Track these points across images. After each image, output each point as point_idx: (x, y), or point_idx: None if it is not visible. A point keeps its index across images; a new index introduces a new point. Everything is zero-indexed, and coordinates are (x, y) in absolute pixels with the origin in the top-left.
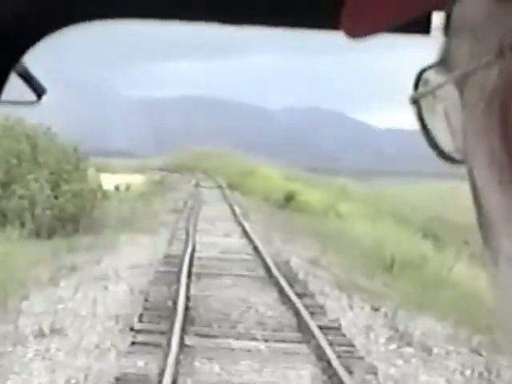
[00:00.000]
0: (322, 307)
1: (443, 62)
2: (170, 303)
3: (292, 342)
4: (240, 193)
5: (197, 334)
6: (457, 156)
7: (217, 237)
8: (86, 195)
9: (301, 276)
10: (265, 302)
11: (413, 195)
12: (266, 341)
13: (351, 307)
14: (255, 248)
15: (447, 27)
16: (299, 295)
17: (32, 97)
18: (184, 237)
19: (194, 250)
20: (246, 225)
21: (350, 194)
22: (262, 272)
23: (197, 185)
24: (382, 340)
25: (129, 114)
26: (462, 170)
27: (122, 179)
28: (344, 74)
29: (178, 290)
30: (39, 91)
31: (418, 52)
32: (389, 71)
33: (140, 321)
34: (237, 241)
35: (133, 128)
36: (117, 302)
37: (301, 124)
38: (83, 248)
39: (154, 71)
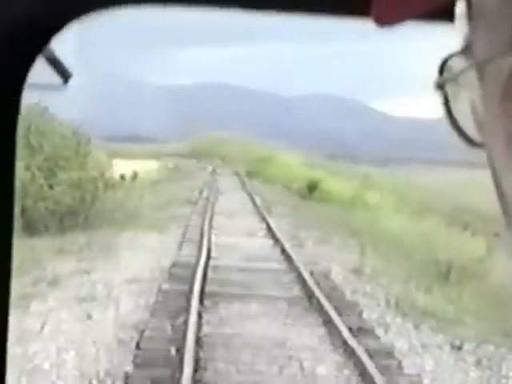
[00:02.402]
0: (391, 354)
1: (467, 50)
2: (172, 351)
3: None
4: (259, 181)
5: None
6: (480, 141)
7: (237, 236)
8: (85, 185)
9: (348, 295)
10: (310, 345)
11: (437, 184)
12: None
13: (426, 347)
14: (284, 252)
15: (469, 15)
16: (355, 331)
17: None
18: (197, 236)
19: (209, 257)
20: (270, 220)
21: (373, 182)
22: (297, 290)
23: (213, 172)
24: None
25: (149, 100)
26: (482, 158)
27: (136, 165)
28: (360, 63)
29: (185, 327)
30: (66, 75)
31: (431, 42)
32: (402, 60)
33: None
34: (261, 242)
35: (153, 114)
36: (97, 345)
37: (318, 112)
38: (75, 251)
39: (173, 58)
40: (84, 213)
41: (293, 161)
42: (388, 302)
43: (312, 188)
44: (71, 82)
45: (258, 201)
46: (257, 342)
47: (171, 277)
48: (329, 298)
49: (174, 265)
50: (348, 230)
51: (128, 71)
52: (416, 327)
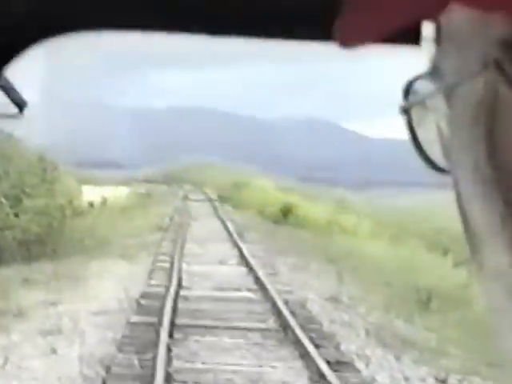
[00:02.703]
0: None
1: (433, 72)
2: None
3: None
4: (232, 206)
5: None
6: (446, 167)
7: (209, 264)
8: (52, 212)
9: (326, 325)
10: (286, 380)
11: (413, 207)
12: None
13: (409, 381)
14: (258, 280)
15: (437, 37)
16: (334, 365)
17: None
18: (168, 265)
19: (179, 286)
20: (243, 246)
21: (349, 206)
22: (272, 321)
23: (185, 198)
24: None
25: (118, 125)
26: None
27: (106, 191)
28: (336, 85)
29: (154, 363)
30: (21, 104)
31: (408, 62)
32: (379, 81)
33: None
34: (234, 270)
35: (123, 139)
36: (62, 381)
37: (293, 135)
38: (42, 281)
39: (142, 82)
40: (52, 241)
41: (266, 185)
42: (367, 332)
43: (286, 213)
44: (35, 108)
45: (231, 227)
46: (229, 377)
47: (140, 308)
48: (305, 329)
49: (143, 295)
50: (325, 256)
51: (97, 96)
52: (397, 359)
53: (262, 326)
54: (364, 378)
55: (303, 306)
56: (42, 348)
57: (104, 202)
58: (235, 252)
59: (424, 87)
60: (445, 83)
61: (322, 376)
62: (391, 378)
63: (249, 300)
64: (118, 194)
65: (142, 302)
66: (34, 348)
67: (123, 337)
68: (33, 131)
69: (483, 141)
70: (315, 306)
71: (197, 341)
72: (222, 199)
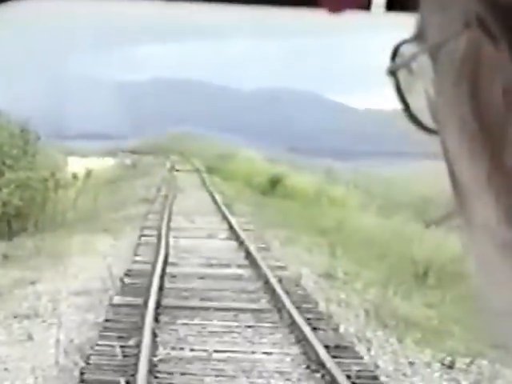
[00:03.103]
0: (376, 378)
1: (418, 36)
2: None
3: None
4: (220, 177)
5: None
6: (434, 128)
7: (197, 238)
8: (35, 185)
9: (322, 305)
10: (282, 370)
11: (400, 177)
12: None
13: (414, 367)
14: (249, 255)
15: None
16: (333, 350)
17: None
18: (154, 239)
19: (166, 263)
20: (233, 219)
21: (337, 176)
22: (265, 301)
23: (172, 168)
24: None
25: (103, 97)
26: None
27: (91, 163)
28: (321, 57)
29: (137, 352)
30: None
31: (394, 33)
32: (364, 53)
33: None
34: (223, 244)
35: (108, 111)
36: (36, 373)
37: (278, 105)
38: (22, 257)
39: (126, 54)
40: (34, 215)
41: (253, 155)
42: (366, 312)
43: (274, 184)
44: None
45: (219, 199)
46: (220, 367)
47: (124, 288)
48: (300, 309)
49: (127, 273)
50: (315, 228)
51: (81, 68)
52: (400, 341)
53: (255, 306)
54: (366, 364)
55: (297, 283)
56: (16, 334)
57: (88, 173)
58: (224, 225)
59: (410, 51)
60: (428, 44)
61: (321, 364)
62: (395, 364)
63: (239, 277)
64: (103, 165)
65: (127, 280)
66: (8, 334)
67: (105, 320)
68: (17, 101)
69: (468, 98)
70: (310, 283)
71: (184, 324)
72: (210, 170)
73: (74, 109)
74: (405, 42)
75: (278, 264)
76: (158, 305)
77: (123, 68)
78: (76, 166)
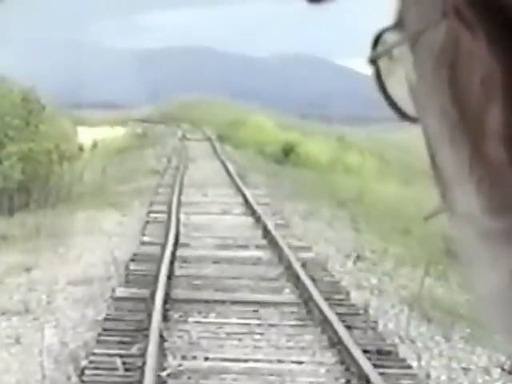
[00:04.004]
0: None
1: (398, 24)
2: None
3: None
4: (231, 145)
5: None
6: (415, 115)
7: (210, 214)
8: (38, 157)
9: (354, 295)
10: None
11: (411, 142)
12: None
13: (468, 372)
14: (268, 233)
15: None
16: (375, 356)
17: None
18: (164, 215)
19: (176, 244)
20: (247, 192)
21: (349, 142)
22: (289, 291)
23: (183, 137)
24: None
25: (113, 66)
26: None
27: (102, 132)
28: (331, 22)
29: (142, 364)
30: None
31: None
32: (375, 18)
33: None
34: (239, 220)
35: (120, 80)
36: None
37: (289, 71)
38: (20, 238)
39: (138, 22)
40: (37, 189)
41: (265, 122)
42: (403, 301)
43: (287, 152)
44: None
45: (232, 169)
46: (242, 382)
47: (129, 276)
48: (331, 301)
49: (133, 258)
50: (334, 199)
51: (92, 36)
52: (447, 339)
53: (277, 298)
54: (417, 376)
55: (323, 267)
56: (3, 335)
57: (95, 145)
58: (239, 199)
59: (391, 39)
60: (408, 32)
61: (364, 376)
62: (447, 370)
63: (258, 261)
64: (114, 134)
65: (132, 266)
66: None
67: (105, 319)
68: (24, 70)
69: (447, 87)
70: (336, 266)
71: (197, 323)
72: (221, 138)
73: (87, 78)
74: (385, 29)
75: (300, 244)
76: (167, 298)
77: (136, 35)
78: (86, 135)
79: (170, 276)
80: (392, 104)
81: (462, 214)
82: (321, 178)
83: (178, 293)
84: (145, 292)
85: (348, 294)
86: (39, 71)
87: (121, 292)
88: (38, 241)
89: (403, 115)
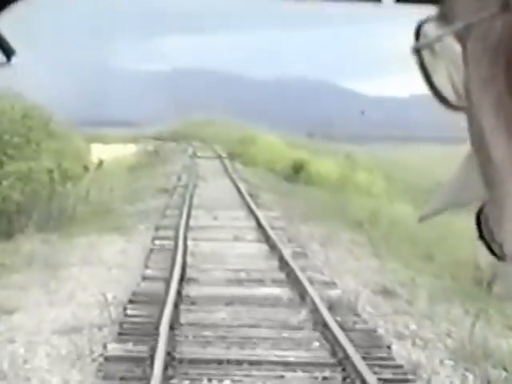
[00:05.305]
0: None
1: (440, 18)
2: None
3: None
4: (242, 163)
5: None
6: (457, 104)
7: (221, 241)
8: (38, 177)
9: (396, 348)
10: None
11: (413, 161)
12: None
13: None
14: (285, 265)
15: None
16: None
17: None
18: (170, 242)
19: (183, 279)
20: (260, 214)
21: (357, 161)
22: (318, 346)
23: (193, 155)
24: None
25: (125, 86)
26: (454, 134)
27: (115, 150)
28: (334, 47)
29: None
30: (9, 53)
31: (404, 24)
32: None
33: None
34: (252, 248)
35: (131, 99)
36: None
37: (294, 94)
38: (11, 268)
39: (151, 45)
40: (37, 211)
41: (275, 140)
42: (452, 355)
43: (297, 169)
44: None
45: (243, 188)
46: None
47: (125, 325)
48: (371, 361)
49: (132, 299)
50: (351, 220)
51: (107, 58)
52: None
53: (304, 356)
54: None
55: (354, 309)
56: None
57: (100, 163)
58: (252, 222)
59: (433, 30)
60: (459, 24)
61: None
62: None
63: (277, 301)
64: (125, 152)
65: (130, 311)
66: None
67: None
68: (37, 90)
69: (504, 77)
70: (367, 307)
71: None
72: (232, 156)
73: (98, 98)
74: (427, 20)
75: (323, 278)
76: (169, 360)
77: (143, 59)
78: (99, 152)
79: (173, 325)
80: (436, 93)
81: None
82: (332, 197)
83: (183, 350)
84: (142, 349)
85: (389, 349)
86: (61, 92)
87: (113, 349)
88: (29, 272)
89: (446, 102)
